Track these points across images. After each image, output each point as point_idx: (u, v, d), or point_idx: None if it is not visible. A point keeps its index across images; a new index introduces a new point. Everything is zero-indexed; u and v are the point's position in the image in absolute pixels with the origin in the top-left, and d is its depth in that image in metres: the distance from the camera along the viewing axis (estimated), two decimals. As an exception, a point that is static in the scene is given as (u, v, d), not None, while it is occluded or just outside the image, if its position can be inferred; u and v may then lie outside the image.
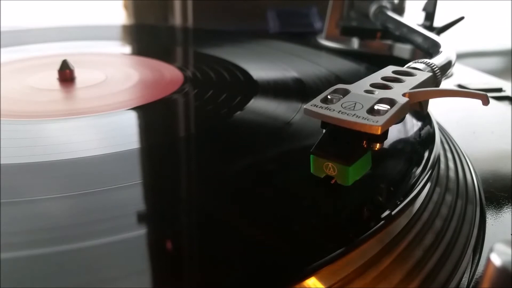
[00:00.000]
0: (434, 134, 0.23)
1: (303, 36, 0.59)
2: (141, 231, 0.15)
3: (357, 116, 0.16)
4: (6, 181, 0.17)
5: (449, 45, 0.28)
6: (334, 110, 0.16)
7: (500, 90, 0.39)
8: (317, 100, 0.17)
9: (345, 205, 0.17)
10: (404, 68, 0.21)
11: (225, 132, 0.23)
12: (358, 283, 0.14)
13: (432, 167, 0.20)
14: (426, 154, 0.20)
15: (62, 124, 0.24)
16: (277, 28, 0.62)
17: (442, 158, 0.24)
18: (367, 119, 0.16)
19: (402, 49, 0.51)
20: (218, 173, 0.19)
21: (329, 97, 0.17)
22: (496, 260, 0.10)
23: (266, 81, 0.32)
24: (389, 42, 0.52)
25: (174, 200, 0.17)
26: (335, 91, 0.18)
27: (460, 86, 0.40)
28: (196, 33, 0.55)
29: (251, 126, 0.24)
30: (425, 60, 0.22)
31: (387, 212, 0.16)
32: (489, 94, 0.19)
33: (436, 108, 0.29)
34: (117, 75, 0.33)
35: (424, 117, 0.24)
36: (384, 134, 0.16)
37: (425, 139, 0.22)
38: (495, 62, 0.76)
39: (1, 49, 0.40)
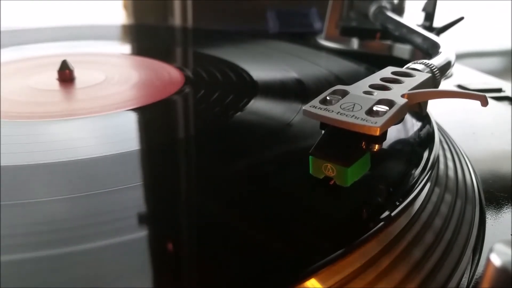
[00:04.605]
0: (434, 134, 0.23)
1: (303, 37, 0.59)
2: (141, 232, 0.15)
3: (356, 117, 0.16)
4: (6, 182, 0.17)
5: (449, 46, 0.28)
6: (333, 111, 0.16)
7: (499, 90, 0.39)
8: (316, 101, 0.17)
9: (344, 206, 0.17)
10: (403, 69, 0.21)
11: (225, 133, 0.23)
12: (358, 283, 0.14)
13: (432, 167, 0.20)
14: (425, 155, 0.20)
15: (62, 125, 0.24)
16: (277, 28, 0.62)
17: (441, 159, 0.24)
18: (366, 120, 0.16)
19: (402, 50, 0.51)
20: (217, 174, 0.19)
21: (328, 98, 0.17)
22: (496, 260, 0.10)
23: (266, 81, 0.32)
24: (388, 42, 0.52)
25: (174, 201, 0.17)
26: (334, 92, 0.18)
27: (459, 86, 0.40)
28: (196, 33, 0.55)
29: (251, 127, 0.24)
30: (424, 60, 0.22)
31: (386, 213, 0.16)
32: (489, 95, 0.19)
33: (436, 108, 0.29)
34: (117, 76, 0.33)
35: (423, 117, 0.24)
36: (383, 135, 0.16)
37: (424, 140, 0.22)
38: (494, 63, 0.76)
39: (1, 49, 0.40)
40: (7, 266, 0.12)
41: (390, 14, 0.45)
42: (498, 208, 0.21)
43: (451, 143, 0.28)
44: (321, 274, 0.13)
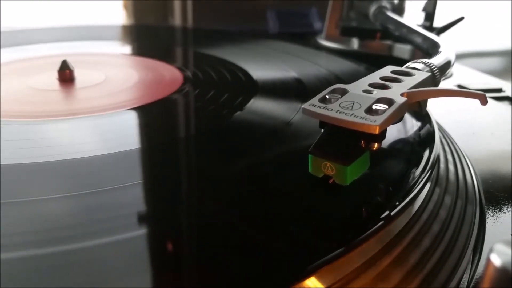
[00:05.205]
0: (434, 134, 0.23)
1: (303, 36, 0.59)
2: (141, 231, 0.15)
3: (355, 115, 0.16)
4: (6, 182, 0.17)
5: (449, 46, 0.28)
6: (332, 109, 0.16)
7: (500, 90, 0.39)
8: (315, 100, 0.17)
9: (344, 205, 0.17)
10: (403, 68, 0.21)
11: (225, 132, 0.23)
12: (358, 283, 0.14)
13: (432, 167, 0.20)
14: (425, 154, 0.20)
15: (62, 125, 0.24)
16: (277, 28, 0.62)
17: (441, 158, 0.24)
18: (365, 119, 0.16)
19: (402, 50, 0.51)
20: (217, 173, 0.19)
21: (327, 96, 0.17)
22: (496, 260, 0.10)
23: (265, 81, 0.32)
24: (388, 42, 0.52)
25: (174, 200, 0.17)
26: (333, 91, 0.18)
27: (460, 86, 0.40)
28: (196, 33, 0.55)
29: (251, 126, 0.24)
30: (424, 60, 0.22)
31: (386, 213, 0.16)
32: (489, 95, 0.19)
33: (436, 108, 0.29)
34: (117, 76, 0.33)
35: (423, 117, 0.24)
36: (382, 134, 0.16)
37: (424, 139, 0.22)
38: (495, 62, 0.76)
39: (1, 49, 0.40)
40: (7, 265, 0.12)
41: (390, 14, 0.45)
42: (498, 208, 0.21)
43: (452, 143, 0.28)
44: (321, 273, 0.13)
